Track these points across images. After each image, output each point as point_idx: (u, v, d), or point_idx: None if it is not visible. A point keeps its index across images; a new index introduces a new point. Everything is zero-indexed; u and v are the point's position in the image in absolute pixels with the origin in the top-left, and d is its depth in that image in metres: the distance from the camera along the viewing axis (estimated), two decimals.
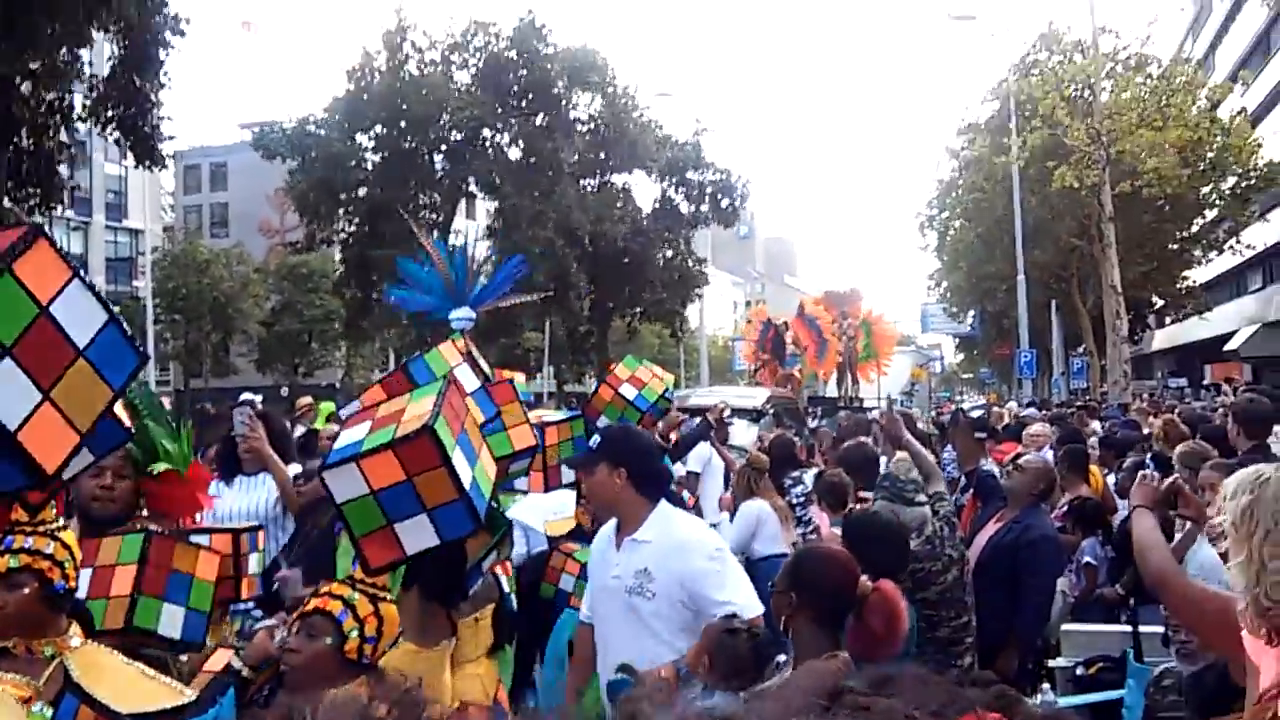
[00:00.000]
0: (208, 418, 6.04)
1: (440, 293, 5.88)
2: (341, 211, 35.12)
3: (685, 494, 6.76)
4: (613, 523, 3.57)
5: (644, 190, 38.68)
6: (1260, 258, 35.03)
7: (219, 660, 2.76)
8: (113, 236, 49.13)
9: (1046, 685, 4.54)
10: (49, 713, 2.08)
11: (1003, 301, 32.01)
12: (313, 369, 47.84)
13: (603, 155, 36.50)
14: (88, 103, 19.20)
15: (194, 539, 2.96)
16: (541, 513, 5.16)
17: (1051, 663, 4.94)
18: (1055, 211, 28.41)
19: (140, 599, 2.64)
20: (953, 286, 40.94)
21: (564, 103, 35.61)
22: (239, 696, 2.67)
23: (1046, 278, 31.26)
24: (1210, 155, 28.05)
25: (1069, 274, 31.62)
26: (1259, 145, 29.91)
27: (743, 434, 9.55)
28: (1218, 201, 30.97)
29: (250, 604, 3.50)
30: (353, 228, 35.27)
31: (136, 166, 22.94)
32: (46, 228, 12.51)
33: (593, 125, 36.45)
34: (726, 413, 7.73)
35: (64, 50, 17.36)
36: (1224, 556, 2.92)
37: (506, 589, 3.79)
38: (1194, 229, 32.57)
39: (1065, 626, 5.26)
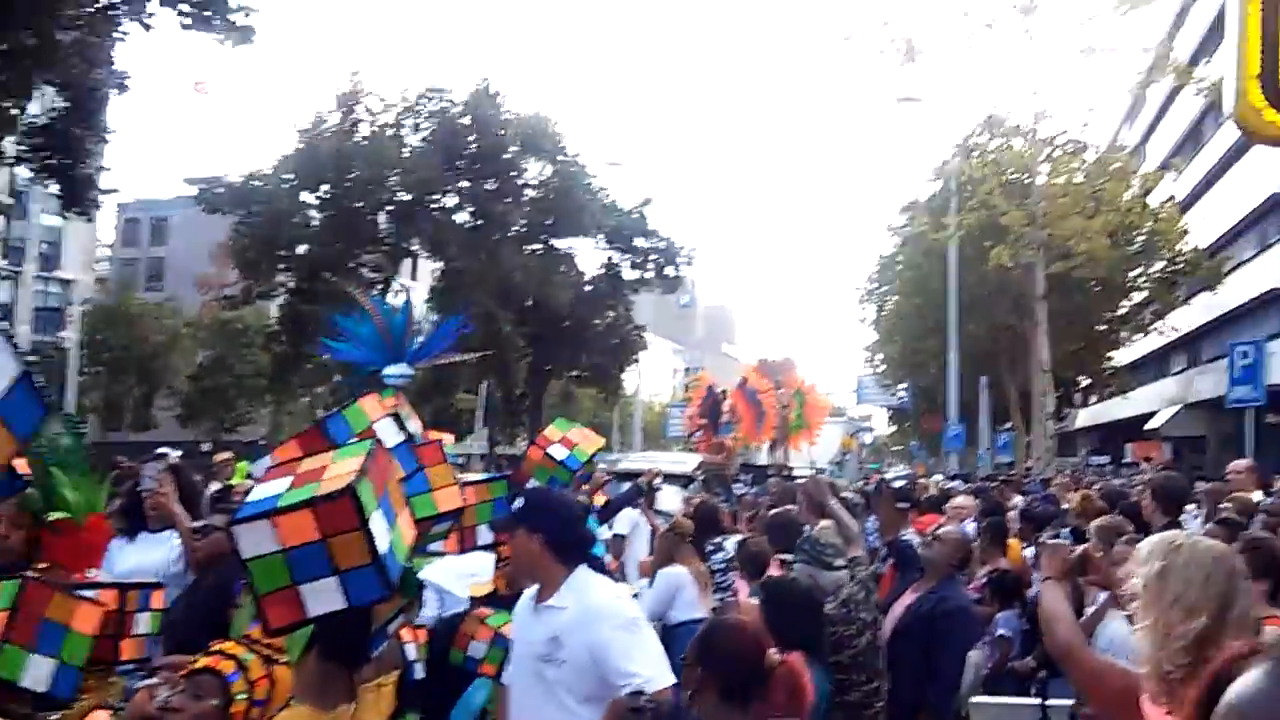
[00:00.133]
0: (118, 471, 5.89)
1: (376, 346, 5.81)
2: (281, 267, 34.78)
3: (607, 558, 6.71)
4: (535, 587, 3.54)
5: (588, 256, 38.97)
6: (1183, 341, 36.19)
7: None
8: (43, 286, 48.57)
9: None
10: None
11: (934, 375, 32.63)
12: (237, 425, 46.92)
13: (549, 221, 36.72)
14: (21, 149, 19.02)
15: (84, 593, 2.86)
16: (456, 574, 5.07)
17: None
18: (990, 289, 29.14)
19: (5, 647, 2.52)
20: (888, 359, 41.66)
21: (514, 169, 35.88)
22: None
23: (978, 353, 31.95)
24: (1140, 239, 29.12)
25: (1000, 351, 32.36)
26: (1186, 231, 31.14)
27: (671, 499, 9.55)
28: (1145, 285, 32.09)
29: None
30: (292, 284, 34.95)
31: (66, 213, 22.69)
32: None
33: (542, 191, 36.75)
34: (659, 480, 7.73)
35: (10, 101, 17.30)
36: (1131, 620, 2.98)
37: (413, 656, 3.71)
38: (1122, 311, 33.64)
39: (975, 698, 5.28)
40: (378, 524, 2.53)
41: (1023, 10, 21.47)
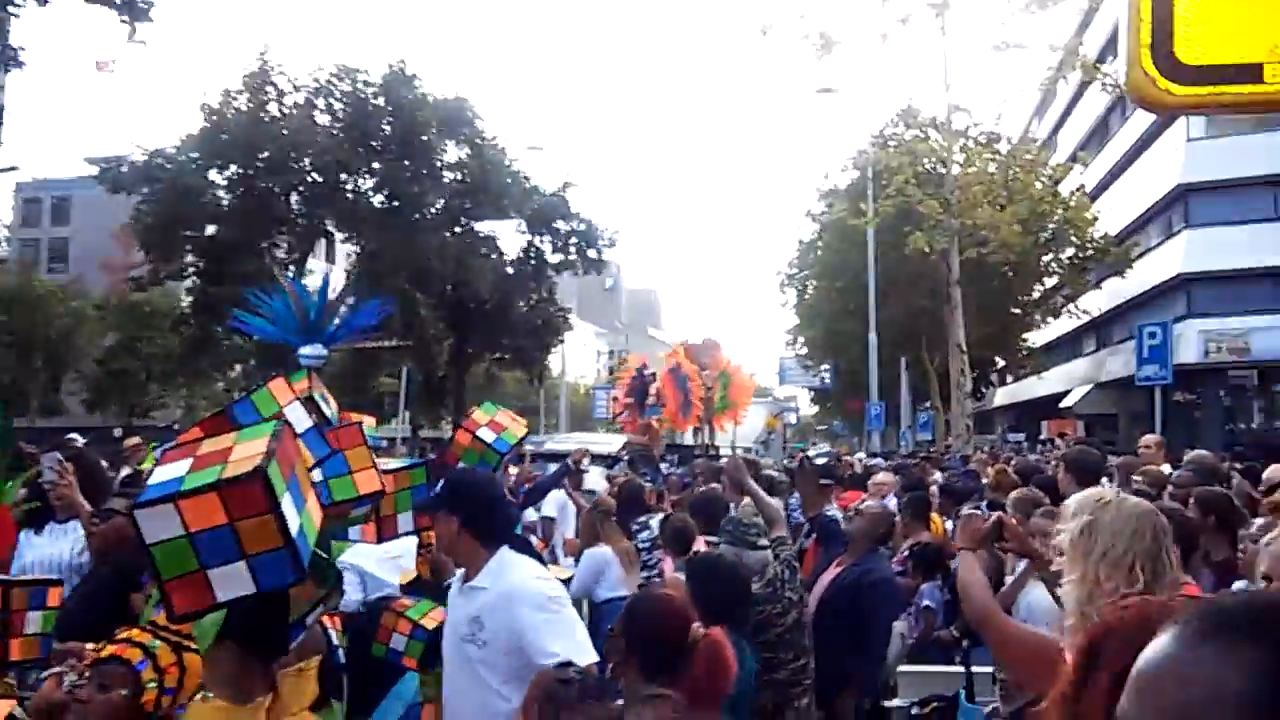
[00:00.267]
0: (22, 459, 5.64)
1: (291, 325, 5.65)
2: (189, 248, 33.84)
3: (532, 538, 6.66)
4: (464, 569, 3.55)
5: (510, 239, 38.63)
6: (1094, 323, 37.40)
7: None
8: None
9: None
10: None
11: (855, 357, 33.18)
12: (149, 410, 45.61)
13: (468, 203, 36.30)
14: None
15: None
16: (379, 557, 4.98)
17: (888, 703, 5.02)
18: (907, 274, 29.67)
19: None
20: (809, 341, 42.18)
21: (431, 151, 35.35)
22: None
23: (897, 336, 32.55)
24: (1051, 227, 29.93)
25: (918, 333, 33.01)
26: (1095, 219, 32.13)
27: (597, 479, 9.55)
28: (1057, 270, 33.08)
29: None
30: (201, 265, 34.02)
31: None
32: None
33: (460, 174, 36.28)
34: (586, 460, 7.68)
35: None
36: (1050, 586, 3.01)
37: (335, 641, 3.62)
38: (1035, 295, 34.59)
39: (902, 668, 5.36)
40: (288, 507, 2.44)
41: (936, 7, 21.79)
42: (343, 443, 3.82)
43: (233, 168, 33.48)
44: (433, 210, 35.44)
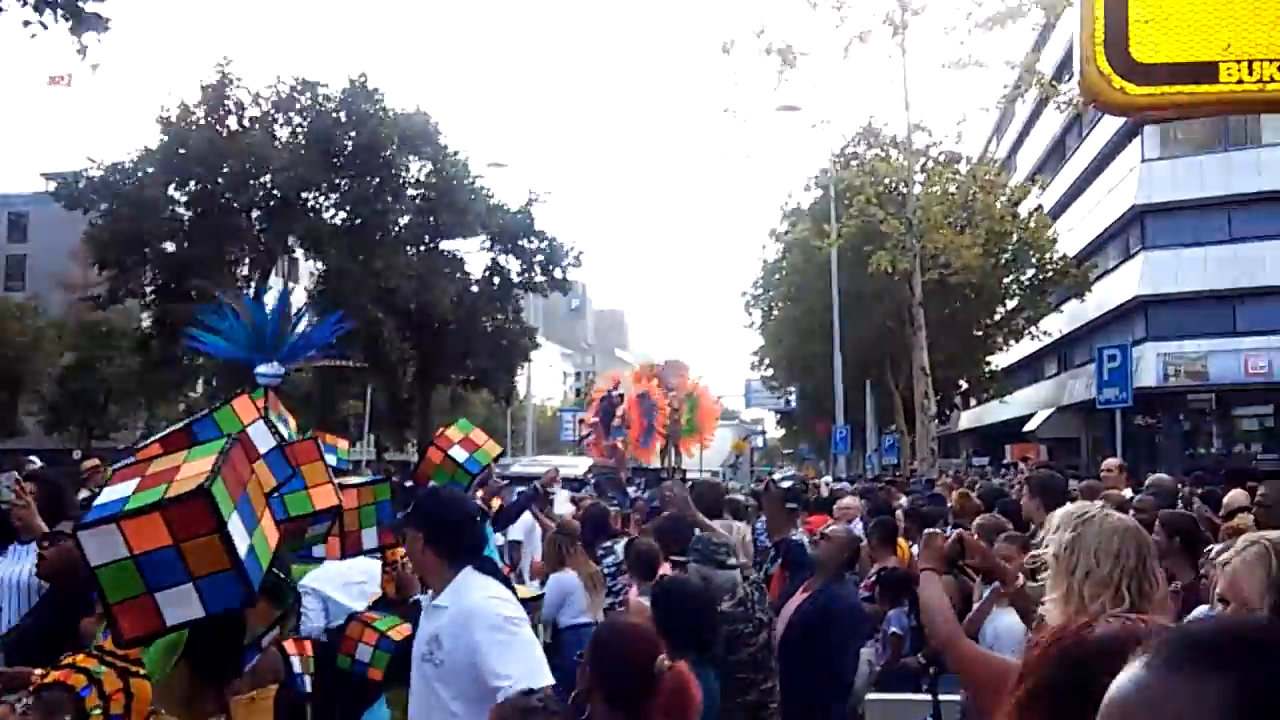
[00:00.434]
0: None
1: (246, 343, 5.55)
2: (148, 266, 33.36)
3: (499, 562, 6.57)
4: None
5: (474, 258, 38.46)
6: (1055, 345, 37.75)
7: None
8: None
9: None
10: None
11: (821, 379, 33.32)
12: (109, 431, 44.83)
13: (432, 220, 36.10)
14: None
15: None
16: (343, 583, 4.88)
17: None
18: (871, 294, 29.85)
19: None
20: (775, 363, 42.31)
21: (394, 167, 35.16)
22: None
23: (862, 358, 32.71)
24: (1011, 248, 30.27)
25: (883, 354, 33.17)
26: (1055, 240, 32.49)
27: (562, 503, 9.47)
28: (1018, 292, 33.41)
29: None
30: (160, 283, 33.55)
31: None
32: None
33: (423, 191, 36.10)
34: (558, 484, 7.62)
35: None
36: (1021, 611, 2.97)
37: (299, 669, 3.54)
38: (996, 317, 34.91)
39: (869, 696, 5.31)
40: (236, 526, 2.38)
41: (893, 27, 22.07)
42: (299, 458, 3.75)
43: (192, 183, 33.08)
44: (395, 227, 35.22)
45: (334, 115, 34.17)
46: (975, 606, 4.96)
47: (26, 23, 13.90)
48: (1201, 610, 4.38)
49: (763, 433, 55.77)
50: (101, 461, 9.62)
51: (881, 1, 22.12)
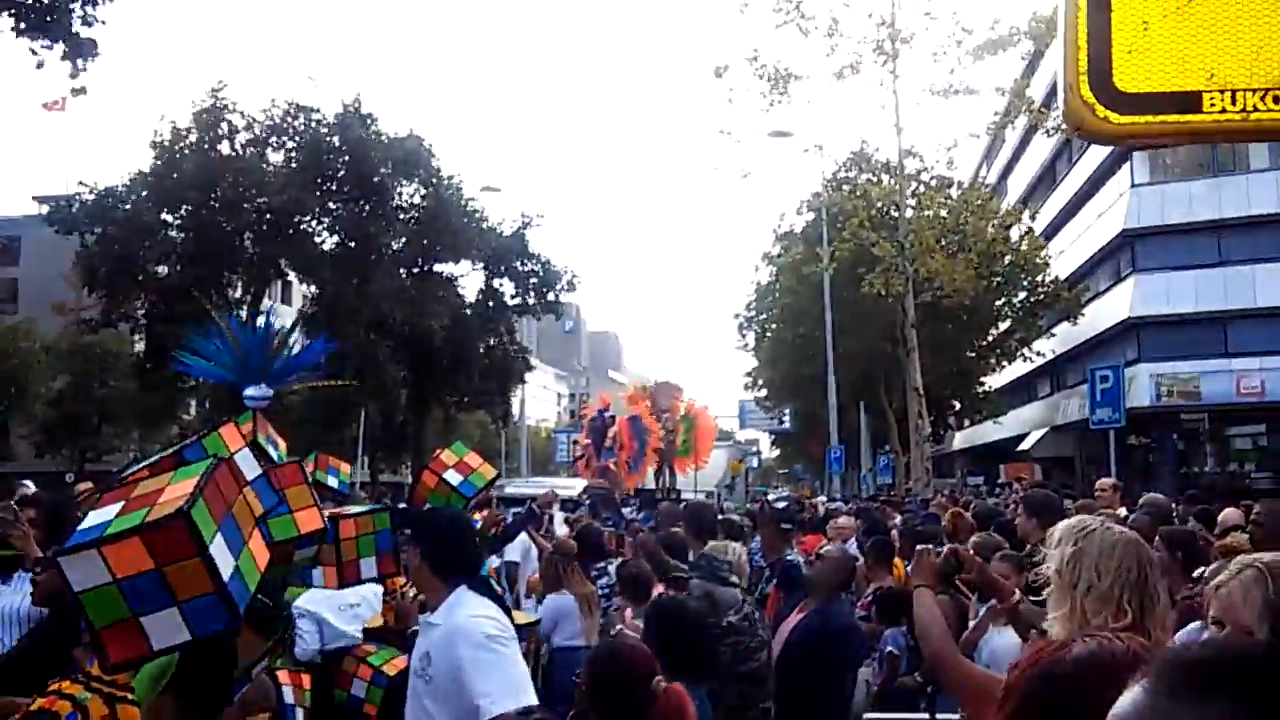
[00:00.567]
0: None
1: (233, 366, 5.53)
2: (141, 289, 33.30)
3: (494, 583, 6.53)
4: None
5: (469, 280, 38.49)
6: (1048, 366, 37.87)
7: None
8: None
9: None
10: None
11: (815, 399, 33.33)
12: (102, 454, 44.64)
13: (425, 244, 36.13)
14: None
15: None
16: (337, 605, 4.84)
17: None
18: (864, 316, 29.90)
19: None
20: (769, 384, 42.31)
21: (387, 191, 35.21)
22: None
23: (856, 378, 32.72)
24: (1003, 270, 30.39)
25: (877, 375, 33.17)
26: (1047, 263, 32.66)
27: (557, 523, 9.42)
28: (1010, 314, 33.54)
29: None
30: (152, 307, 33.46)
31: None
32: None
33: (416, 214, 36.12)
34: (555, 505, 7.60)
35: None
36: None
37: (291, 700, 3.51)
38: (989, 339, 35.00)
39: (867, 715, 5.27)
40: (219, 549, 2.35)
41: (884, 55, 22.21)
42: (283, 481, 3.73)
43: (185, 207, 33.00)
44: (389, 250, 35.24)
45: (327, 139, 34.24)
46: (971, 624, 4.93)
47: (33, 51, 14.00)
48: (1194, 627, 4.35)
49: (758, 453, 55.70)
50: (95, 484, 9.54)
51: (873, 31, 22.21)
